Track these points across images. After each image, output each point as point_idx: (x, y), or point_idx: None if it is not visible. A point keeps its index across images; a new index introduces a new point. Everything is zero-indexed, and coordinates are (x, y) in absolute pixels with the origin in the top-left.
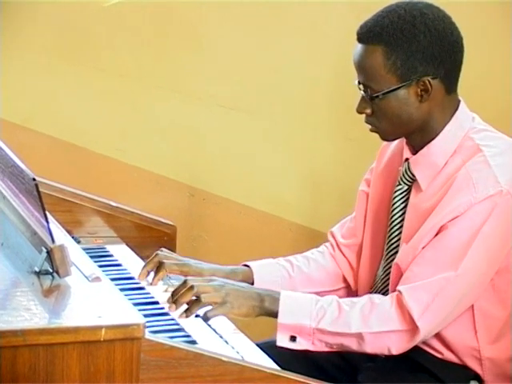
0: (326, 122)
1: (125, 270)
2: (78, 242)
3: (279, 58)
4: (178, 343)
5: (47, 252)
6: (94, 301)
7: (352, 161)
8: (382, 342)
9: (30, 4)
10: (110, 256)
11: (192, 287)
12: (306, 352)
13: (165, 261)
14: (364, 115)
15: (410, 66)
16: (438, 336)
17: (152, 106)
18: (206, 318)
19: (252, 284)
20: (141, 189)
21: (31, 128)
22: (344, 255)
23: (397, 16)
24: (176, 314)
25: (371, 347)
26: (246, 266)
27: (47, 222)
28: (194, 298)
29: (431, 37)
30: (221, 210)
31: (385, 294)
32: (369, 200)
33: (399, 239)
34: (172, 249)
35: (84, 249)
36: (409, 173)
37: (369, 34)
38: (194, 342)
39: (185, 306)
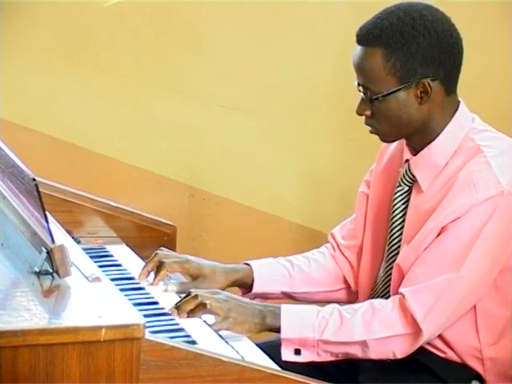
0: (326, 122)
1: (125, 270)
2: (78, 242)
3: (279, 58)
4: (178, 343)
5: (47, 252)
6: (94, 301)
7: (352, 161)
8: (386, 347)
9: (29, 4)
10: (110, 256)
11: (196, 296)
12: (310, 361)
13: (165, 260)
14: (364, 117)
15: (410, 67)
16: (439, 336)
17: (152, 106)
18: None
19: (252, 282)
20: (141, 189)
21: (31, 128)
22: (344, 256)
23: (396, 18)
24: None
25: (376, 353)
26: (246, 264)
27: (47, 222)
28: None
29: (431, 39)
30: (221, 210)
31: (386, 295)
32: (369, 201)
33: (400, 240)
34: (172, 249)
35: (84, 249)
36: (409, 174)
37: (368, 36)
38: (194, 343)
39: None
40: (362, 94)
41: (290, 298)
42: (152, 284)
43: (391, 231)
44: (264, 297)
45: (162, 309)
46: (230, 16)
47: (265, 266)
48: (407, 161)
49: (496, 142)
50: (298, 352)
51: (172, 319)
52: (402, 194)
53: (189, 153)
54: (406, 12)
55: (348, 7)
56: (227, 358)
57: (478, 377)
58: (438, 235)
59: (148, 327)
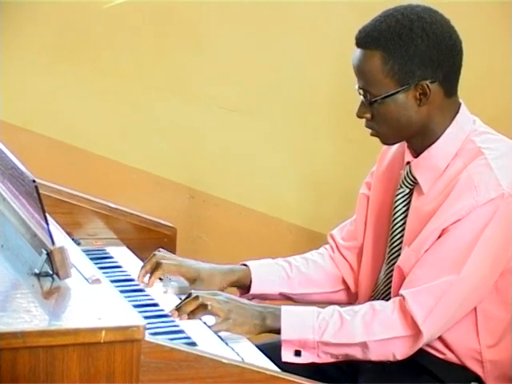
0: (326, 124)
1: (125, 271)
2: (78, 244)
3: (279, 58)
4: (178, 345)
5: (47, 254)
6: (94, 303)
7: (352, 162)
8: (386, 349)
9: (30, 4)
10: (110, 258)
11: (197, 297)
12: (310, 363)
13: (162, 261)
14: (364, 119)
15: (408, 70)
16: (439, 337)
17: (152, 108)
18: None
19: (249, 284)
20: (141, 190)
21: (31, 130)
22: (344, 257)
23: (394, 20)
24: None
25: (376, 355)
26: (244, 265)
27: (47, 223)
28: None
29: (429, 41)
30: (220, 211)
31: (387, 296)
32: (370, 203)
33: (401, 242)
34: (172, 250)
35: (84, 251)
36: (410, 176)
37: (367, 39)
38: (194, 344)
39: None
40: (361, 96)
41: (288, 299)
42: (147, 285)
43: (392, 233)
44: (262, 298)
45: (162, 310)
46: (229, 16)
47: (263, 267)
48: (408, 163)
49: (497, 145)
50: (298, 353)
51: (172, 321)
52: (403, 196)
53: (188, 154)
54: (404, 14)
55: (348, 7)
56: (227, 359)
57: (478, 379)
58: (439, 237)
59: (148, 329)
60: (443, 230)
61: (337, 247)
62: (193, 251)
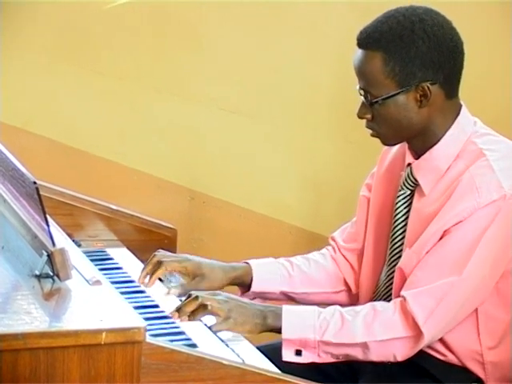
0: (327, 125)
1: (125, 273)
2: (79, 246)
3: (279, 58)
4: (179, 347)
5: (48, 255)
6: (94, 304)
7: (352, 164)
8: (387, 350)
9: (30, 4)
10: (111, 259)
11: (197, 297)
12: (310, 362)
13: (163, 259)
14: (365, 120)
15: (409, 71)
16: (440, 339)
17: (151, 108)
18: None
19: (250, 281)
20: (141, 192)
21: (31, 131)
22: (345, 258)
23: (396, 22)
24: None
25: (376, 355)
26: (246, 263)
27: (48, 225)
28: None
29: (430, 42)
30: (221, 213)
31: (388, 298)
32: (370, 205)
33: (402, 244)
34: (172, 252)
35: (84, 252)
36: (411, 177)
37: (368, 40)
38: (194, 346)
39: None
40: (362, 97)
41: (289, 298)
42: (148, 284)
43: (393, 235)
44: (263, 296)
45: (163, 312)
46: (230, 16)
47: (264, 266)
48: (409, 164)
49: (498, 146)
50: (298, 353)
51: (173, 322)
52: (404, 198)
53: (189, 156)
54: (405, 16)
55: (348, 7)
56: (228, 361)
57: (479, 380)
58: (441, 239)
59: (149, 330)
60: (445, 231)
61: (338, 249)
62: (193, 253)
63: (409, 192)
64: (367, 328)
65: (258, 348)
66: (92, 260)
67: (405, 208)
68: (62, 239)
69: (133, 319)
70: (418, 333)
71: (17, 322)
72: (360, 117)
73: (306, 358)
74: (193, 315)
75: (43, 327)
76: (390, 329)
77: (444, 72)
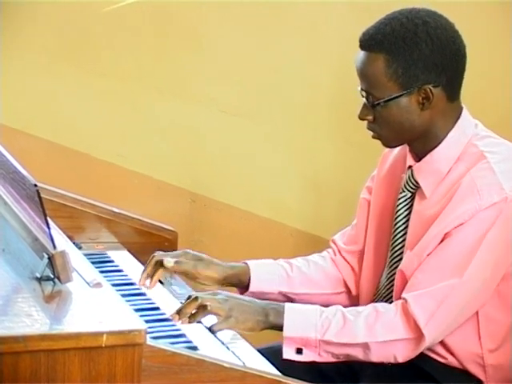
0: (327, 127)
1: (126, 275)
2: (80, 248)
3: (279, 58)
4: (180, 349)
5: (48, 258)
6: (95, 307)
7: (353, 166)
8: (387, 351)
9: (29, 4)
10: (112, 262)
11: (196, 298)
12: (311, 361)
13: (163, 258)
14: (366, 122)
15: (412, 74)
16: (441, 341)
17: (153, 111)
18: (211, 332)
19: (248, 282)
20: (142, 194)
21: (31, 133)
22: (346, 260)
23: (399, 24)
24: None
25: (377, 356)
26: (244, 263)
27: (48, 227)
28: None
29: (433, 45)
30: (222, 215)
31: (388, 301)
32: (371, 207)
33: (403, 246)
34: None
35: (85, 254)
36: (412, 180)
37: (371, 42)
38: (195, 348)
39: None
40: (364, 98)
41: (288, 299)
42: (149, 286)
43: (394, 237)
44: (262, 297)
45: (164, 314)
46: (230, 16)
47: (262, 266)
48: (410, 167)
49: (499, 148)
50: (299, 351)
51: (173, 325)
52: (405, 200)
53: (190, 158)
54: (408, 18)
55: (348, 7)
56: (229, 363)
57: (479, 383)
58: (442, 241)
59: (149, 333)
60: (446, 233)
61: (338, 251)
62: None
63: (410, 194)
64: (369, 329)
65: (258, 350)
66: (93, 262)
67: (406, 210)
68: (62, 242)
69: (133, 322)
70: (419, 335)
71: (18, 324)
72: (361, 118)
73: (307, 356)
74: (193, 317)
75: (44, 330)
76: (392, 330)
77: (446, 75)
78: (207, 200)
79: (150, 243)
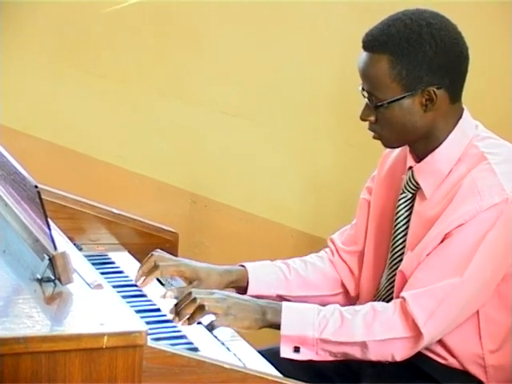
0: (327, 127)
1: (127, 277)
2: (80, 249)
3: (279, 58)
4: (180, 350)
5: (49, 259)
6: (96, 308)
7: (353, 167)
8: (385, 350)
9: (29, 4)
10: (112, 263)
11: (195, 299)
12: (308, 360)
13: (160, 263)
14: (367, 122)
15: (416, 75)
16: (441, 342)
17: (153, 111)
18: (210, 328)
19: (247, 285)
20: (142, 195)
21: (32, 134)
22: (344, 261)
23: (403, 25)
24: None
25: (375, 355)
26: (242, 266)
27: (49, 228)
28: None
29: (437, 47)
30: (222, 216)
31: (388, 301)
32: (371, 208)
33: (403, 247)
34: (173, 255)
35: (86, 256)
36: (413, 181)
37: (374, 43)
38: (195, 350)
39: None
40: (366, 99)
41: (286, 301)
42: (141, 284)
43: (394, 238)
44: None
45: (164, 316)
46: (230, 16)
47: (260, 268)
48: (410, 168)
49: (500, 150)
50: (297, 350)
51: (174, 326)
52: (405, 201)
53: (190, 159)
54: (413, 19)
55: (348, 7)
56: (229, 364)
57: (480, 383)
58: (442, 241)
59: (150, 334)
60: (446, 234)
61: (336, 251)
62: (194, 256)
63: (410, 195)
64: (367, 327)
65: (259, 352)
66: (93, 264)
67: (406, 211)
68: (63, 243)
69: (134, 323)
70: (417, 334)
71: (18, 325)
72: (363, 119)
73: (304, 355)
74: (192, 318)
75: (45, 331)
76: (390, 329)
77: (450, 76)
78: (208, 201)
79: (150, 244)
